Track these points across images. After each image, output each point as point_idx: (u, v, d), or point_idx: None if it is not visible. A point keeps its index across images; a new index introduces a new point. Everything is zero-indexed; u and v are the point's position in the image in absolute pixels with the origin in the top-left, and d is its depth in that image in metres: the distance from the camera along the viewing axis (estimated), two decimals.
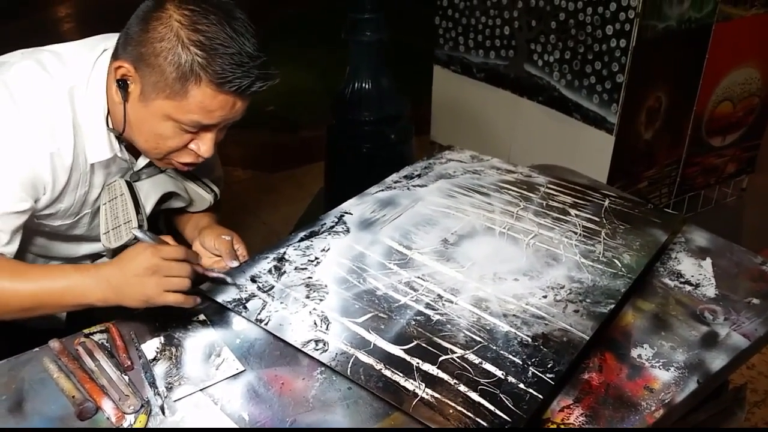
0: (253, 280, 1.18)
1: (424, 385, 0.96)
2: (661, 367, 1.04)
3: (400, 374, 0.98)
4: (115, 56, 1.09)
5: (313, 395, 0.97)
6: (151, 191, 1.25)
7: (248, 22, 1.06)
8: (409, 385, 0.96)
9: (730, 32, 2.33)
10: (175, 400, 0.96)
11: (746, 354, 1.10)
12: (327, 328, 1.06)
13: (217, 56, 1.01)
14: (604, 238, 1.28)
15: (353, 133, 2.40)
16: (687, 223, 1.40)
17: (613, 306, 1.11)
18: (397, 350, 1.02)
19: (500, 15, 2.49)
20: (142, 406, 0.95)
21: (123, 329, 1.08)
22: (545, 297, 1.13)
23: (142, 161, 1.22)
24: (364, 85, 2.33)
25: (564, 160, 1.89)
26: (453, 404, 0.93)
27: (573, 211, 1.37)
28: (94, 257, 1.38)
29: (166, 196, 1.30)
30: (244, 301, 1.13)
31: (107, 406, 0.94)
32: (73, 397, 0.95)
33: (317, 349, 1.03)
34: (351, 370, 0.99)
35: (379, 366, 0.99)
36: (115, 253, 1.26)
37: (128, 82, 1.07)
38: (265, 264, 1.22)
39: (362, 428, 0.93)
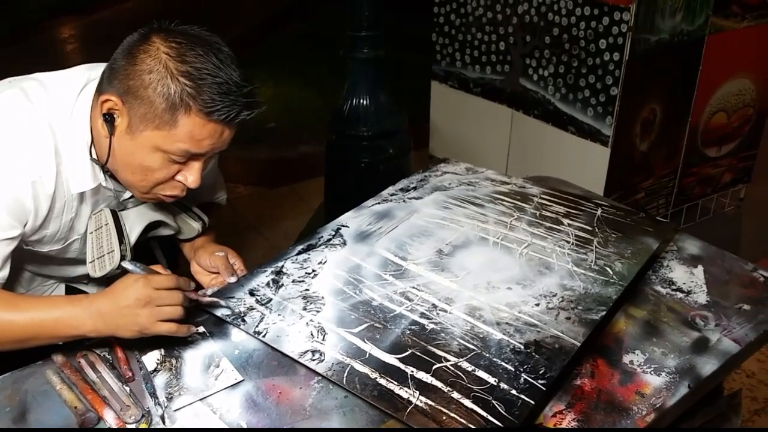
0: (252, 293, 1.20)
1: (418, 392, 0.98)
2: (652, 372, 1.05)
3: (395, 383, 1.00)
4: (99, 90, 1.10)
5: (310, 404, 0.99)
6: (136, 221, 1.26)
7: (232, 54, 1.08)
8: (404, 393, 0.98)
9: (722, 44, 2.37)
10: (175, 410, 0.98)
11: (737, 359, 1.12)
12: (323, 339, 1.08)
13: (205, 86, 1.03)
14: (596, 247, 1.30)
15: (352, 148, 2.43)
16: (678, 232, 1.42)
17: (604, 313, 1.13)
18: (391, 359, 1.04)
19: (495, 31, 2.53)
20: (143, 416, 0.97)
21: (124, 342, 1.10)
22: (538, 305, 1.15)
23: (129, 191, 1.23)
24: (362, 100, 2.37)
25: (560, 173, 1.92)
26: (446, 411, 0.94)
27: (566, 221, 1.39)
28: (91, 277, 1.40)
29: (153, 225, 1.30)
30: (242, 314, 1.15)
31: (109, 417, 0.96)
32: (76, 407, 0.97)
33: (313, 360, 1.05)
34: (346, 379, 1.01)
35: (374, 375, 1.01)
36: (100, 281, 1.27)
37: (115, 115, 1.08)
38: (264, 277, 1.24)
39: (360, 428, 0.95)
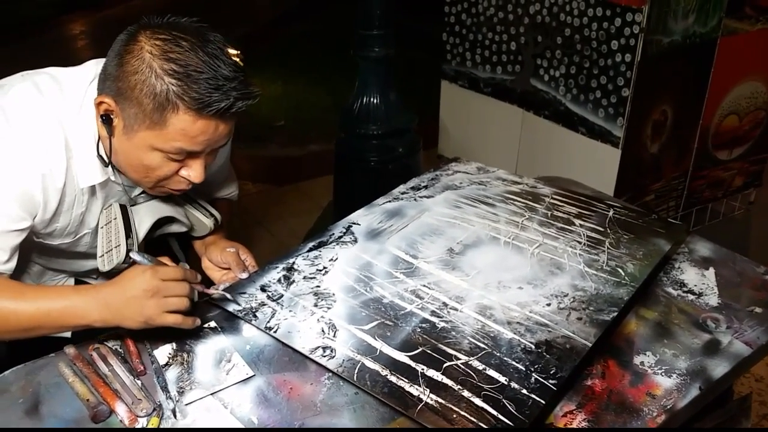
0: (263, 289, 1.20)
1: (428, 390, 0.98)
2: (663, 373, 1.05)
3: (405, 380, 1.00)
4: (98, 91, 1.10)
5: (321, 400, 0.99)
6: (146, 216, 1.25)
7: (223, 42, 1.06)
8: (414, 390, 0.98)
9: (735, 46, 2.35)
10: (186, 404, 0.99)
11: (748, 362, 1.11)
12: (334, 336, 1.09)
13: (192, 82, 1.01)
14: (607, 248, 1.30)
15: (361, 147, 2.43)
16: (690, 234, 1.41)
17: (615, 314, 1.13)
18: (402, 357, 1.04)
19: (507, 31, 2.53)
20: (154, 409, 0.97)
21: (136, 336, 1.10)
22: (549, 305, 1.15)
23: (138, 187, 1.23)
24: (372, 99, 2.37)
25: (571, 174, 1.91)
26: (456, 409, 0.95)
27: (577, 221, 1.39)
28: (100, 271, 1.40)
29: (164, 221, 1.29)
30: (254, 310, 1.15)
31: (120, 410, 0.97)
32: (88, 400, 0.98)
33: (324, 356, 1.05)
34: (357, 375, 1.01)
35: (384, 372, 1.01)
36: (109, 276, 1.28)
37: (111, 116, 1.08)
38: (275, 274, 1.24)
39: (368, 428, 0.95)
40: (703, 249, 1.36)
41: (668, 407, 0.99)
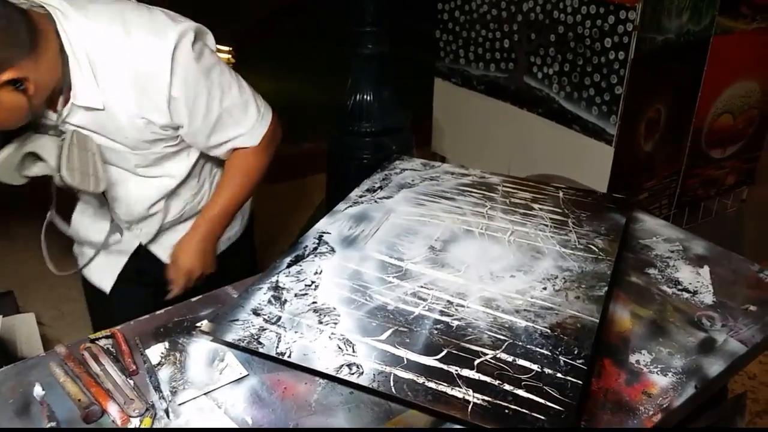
0: (256, 313, 1.13)
1: (471, 390, 0.96)
2: (659, 372, 1.05)
3: (444, 384, 0.97)
4: None
5: (315, 399, 0.99)
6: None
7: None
8: (457, 393, 0.96)
9: (729, 45, 2.36)
10: (179, 404, 0.98)
11: (743, 360, 1.11)
12: (353, 351, 1.04)
13: None
14: (572, 227, 1.33)
15: (355, 144, 2.42)
16: (685, 232, 1.42)
17: (606, 288, 1.15)
18: (431, 361, 1.01)
19: (500, 28, 2.52)
20: (146, 409, 0.96)
21: (128, 335, 1.09)
22: (545, 289, 1.16)
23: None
24: (365, 97, 2.36)
25: (564, 171, 1.91)
26: (505, 404, 0.93)
27: (536, 206, 1.42)
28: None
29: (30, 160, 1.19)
30: (256, 337, 1.08)
31: (112, 410, 0.96)
32: (79, 400, 0.97)
33: (353, 374, 1.00)
34: (395, 388, 0.97)
35: (420, 380, 0.98)
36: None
37: None
38: (262, 295, 1.17)
39: (363, 428, 0.94)
40: (697, 247, 1.36)
41: (664, 406, 0.99)
